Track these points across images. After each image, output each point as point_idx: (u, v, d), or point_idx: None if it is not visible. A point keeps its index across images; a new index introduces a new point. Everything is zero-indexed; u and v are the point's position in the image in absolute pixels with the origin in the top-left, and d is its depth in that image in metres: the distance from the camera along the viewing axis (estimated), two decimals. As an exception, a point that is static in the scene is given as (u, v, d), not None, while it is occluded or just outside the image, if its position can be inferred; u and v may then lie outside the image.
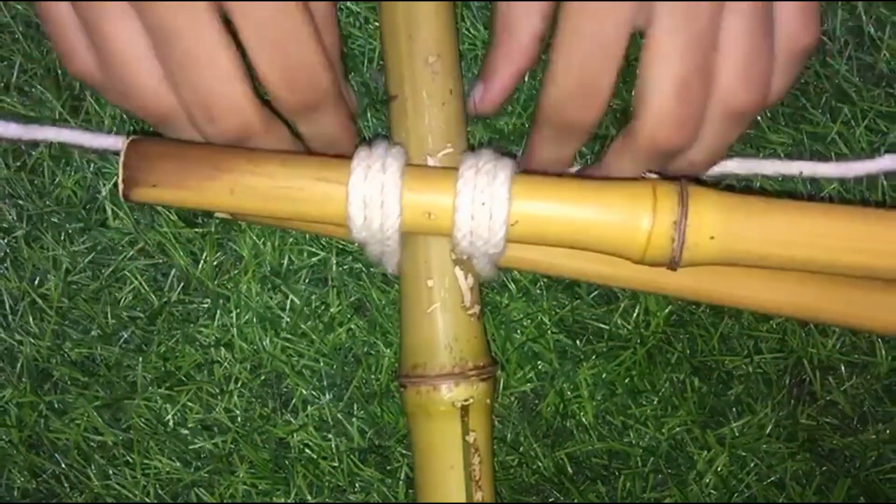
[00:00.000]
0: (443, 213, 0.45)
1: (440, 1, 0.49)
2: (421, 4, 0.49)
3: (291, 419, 0.56)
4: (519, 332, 0.56)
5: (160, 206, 0.48)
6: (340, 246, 0.55)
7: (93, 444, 0.56)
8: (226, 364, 0.56)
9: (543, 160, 0.50)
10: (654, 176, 0.45)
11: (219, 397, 0.56)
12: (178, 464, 0.56)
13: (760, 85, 0.45)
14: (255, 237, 0.55)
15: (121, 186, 0.45)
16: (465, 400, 0.48)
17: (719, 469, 0.56)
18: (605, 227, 0.43)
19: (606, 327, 0.55)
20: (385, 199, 0.44)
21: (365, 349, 0.56)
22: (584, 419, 0.56)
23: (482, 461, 0.48)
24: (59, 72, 0.55)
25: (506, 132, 0.55)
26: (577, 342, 0.56)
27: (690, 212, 0.43)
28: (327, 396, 0.56)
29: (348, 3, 0.55)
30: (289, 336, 0.56)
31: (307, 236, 0.55)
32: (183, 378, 0.56)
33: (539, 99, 0.47)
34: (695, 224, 0.43)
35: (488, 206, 0.44)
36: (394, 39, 0.49)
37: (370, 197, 0.44)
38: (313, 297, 0.56)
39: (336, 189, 0.44)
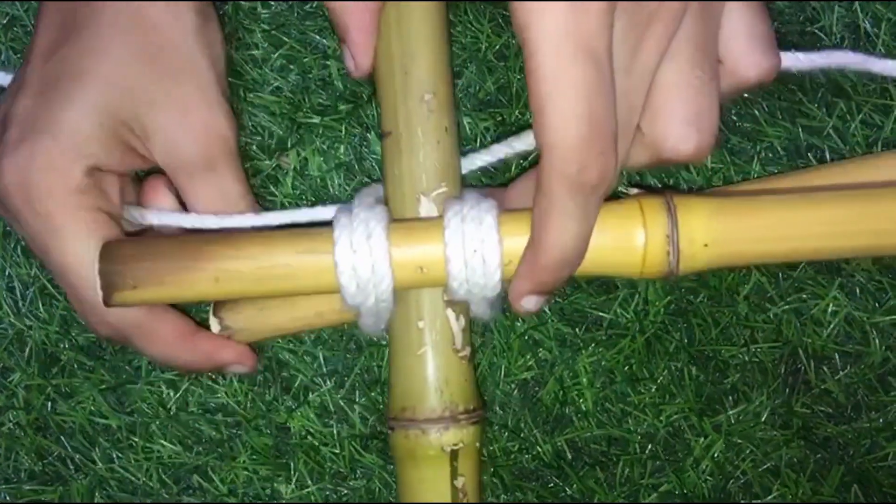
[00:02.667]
0: (435, 265, 0.45)
1: (435, 37, 0.48)
2: (417, 40, 0.47)
3: (293, 405, 0.57)
4: (520, 320, 0.56)
5: (145, 305, 0.47)
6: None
7: (98, 427, 0.57)
8: (229, 350, 0.57)
9: (568, 246, 0.42)
10: (636, 191, 0.46)
11: (221, 383, 0.57)
12: (180, 448, 0.57)
13: (706, 133, 0.44)
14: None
15: (100, 294, 0.45)
16: (455, 444, 0.47)
17: (715, 455, 0.56)
18: (599, 250, 0.44)
19: (606, 316, 0.56)
20: (375, 262, 0.44)
21: (367, 337, 0.56)
22: (583, 406, 0.56)
23: None
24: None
25: (508, 122, 0.56)
26: (577, 330, 0.56)
27: (680, 223, 0.44)
28: (329, 384, 0.57)
29: None
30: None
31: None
32: (187, 363, 0.56)
33: (542, 167, 0.41)
34: (686, 234, 0.44)
35: (480, 252, 0.44)
36: (388, 75, 0.48)
37: (359, 264, 0.44)
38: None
39: (323, 260, 0.44)
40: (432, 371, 0.47)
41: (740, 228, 0.44)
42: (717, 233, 0.44)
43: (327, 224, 0.46)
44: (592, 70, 0.38)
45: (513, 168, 0.55)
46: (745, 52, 0.45)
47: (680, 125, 0.43)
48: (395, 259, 0.44)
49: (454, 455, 0.47)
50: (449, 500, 0.47)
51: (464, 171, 0.50)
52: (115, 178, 0.49)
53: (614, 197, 0.46)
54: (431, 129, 0.47)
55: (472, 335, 0.50)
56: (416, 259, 0.45)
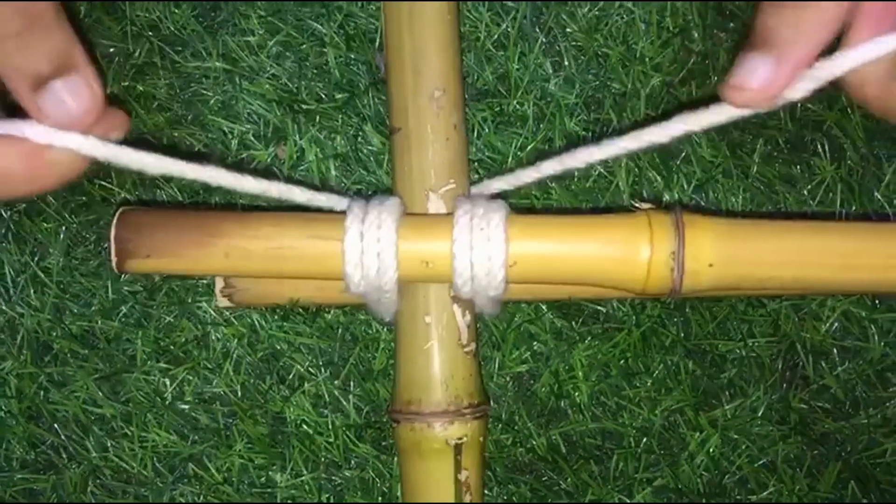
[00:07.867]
0: (441, 260, 0.45)
1: (446, 34, 0.48)
2: (429, 37, 0.48)
3: (288, 395, 0.56)
4: (516, 313, 0.56)
5: (156, 274, 0.48)
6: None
7: (91, 416, 0.57)
8: (224, 340, 0.56)
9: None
10: (648, 206, 0.45)
11: (216, 372, 0.56)
12: (176, 437, 0.56)
13: None
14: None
15: (113, 260, 0.45)
16: (459, 438, 0.47)
17: (711, 451, 0.56)
18: (603, 261, 0.44)
19: (602, 309, 0.56)
20: (381, 252, 0.44)
21: (363, 328, 0.56)
22: (578, 399, 0.56)
23: (473, 500, 0.48)
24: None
25: (506, 112, 0.55)
26: (573, 323, 0.56)
27: (687, 240, 0.43)
28: (324, 373, 0.56)
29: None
30: (286, 314, 0.56)
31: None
32: (181, 353, 0.56)
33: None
34: (692, 252, 0.43)
35: (486, 250, 0.44)
36: (399, 71, 0.48)
37: (366, 252, 0.44)
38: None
39: (331, 246, 0.45)
40: (438, 365, 0.48)
41: (748, 251, 0.43)
42: (723, 253, 0.43)
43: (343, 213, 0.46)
44: None
45: (509, 159, 0.55)
46: None
47: None
48: (401, 251, 0.45)
49: (458, 449, 0.47)
50: (452, 493, 0.47)
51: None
52: None
53: (625, 210, 0.46)
54: (441, 127, 0.48)
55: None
56: (423, 253, 0.45)
